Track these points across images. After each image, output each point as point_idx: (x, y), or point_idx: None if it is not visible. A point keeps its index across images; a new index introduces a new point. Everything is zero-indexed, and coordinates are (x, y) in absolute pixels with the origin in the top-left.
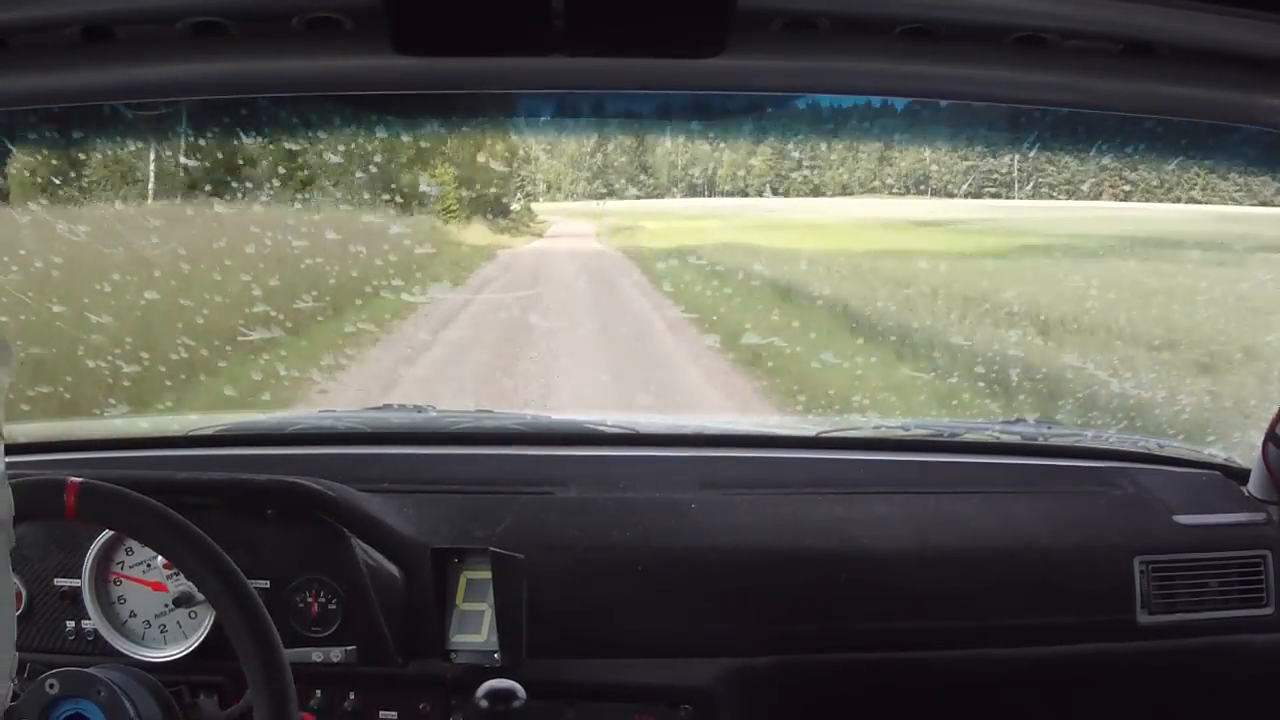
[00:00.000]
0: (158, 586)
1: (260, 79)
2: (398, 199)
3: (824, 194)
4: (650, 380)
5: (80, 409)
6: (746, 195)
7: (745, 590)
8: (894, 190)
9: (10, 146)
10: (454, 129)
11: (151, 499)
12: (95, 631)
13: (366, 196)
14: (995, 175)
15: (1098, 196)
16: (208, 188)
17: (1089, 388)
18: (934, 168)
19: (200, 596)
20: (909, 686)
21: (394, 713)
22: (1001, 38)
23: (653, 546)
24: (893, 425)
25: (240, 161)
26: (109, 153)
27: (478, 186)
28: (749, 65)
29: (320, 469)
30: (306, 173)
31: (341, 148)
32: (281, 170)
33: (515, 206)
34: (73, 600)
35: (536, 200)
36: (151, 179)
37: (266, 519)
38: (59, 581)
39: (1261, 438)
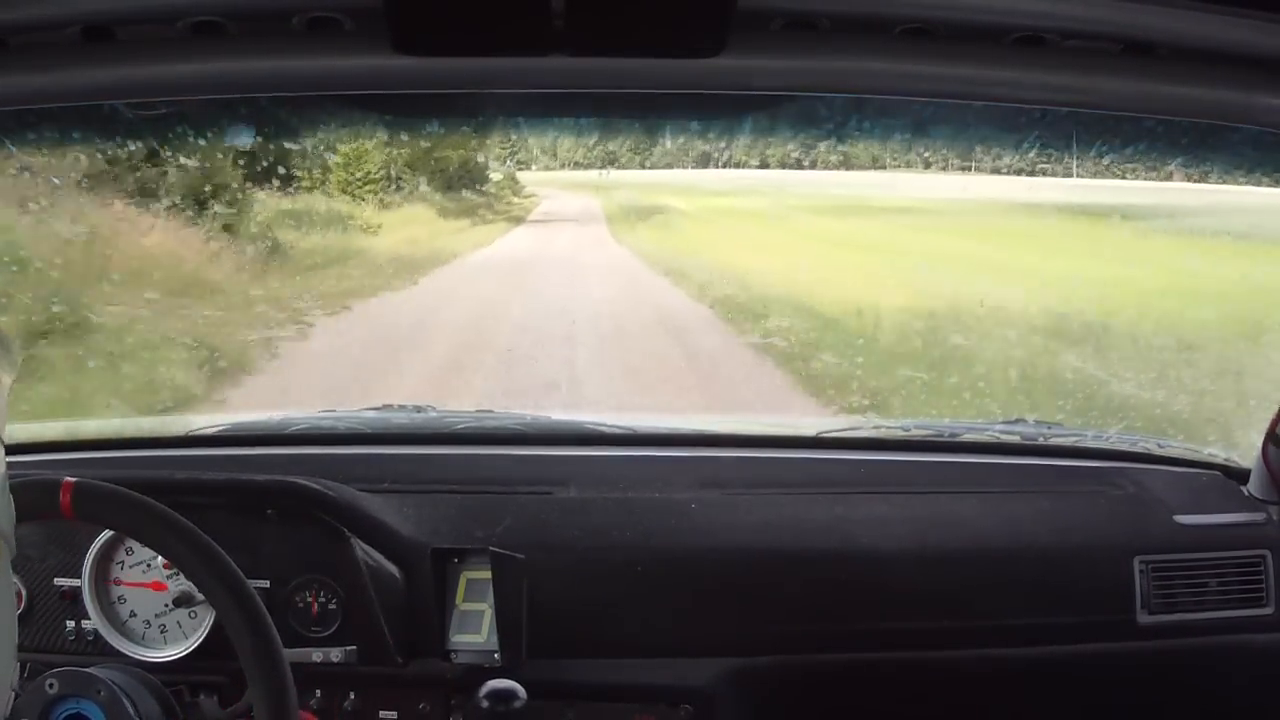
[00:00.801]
0: (158, 586)
1: (260, 79)
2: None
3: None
4: None
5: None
6: (767, 166)
7: (745, 590)
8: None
9: (10, 146)
10: (454, 129)
11: (148, 498)
12: (95, 631)
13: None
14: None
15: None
16: None
17: None
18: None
19: (200, 596)
20: (909, 686)
21: (394, 713)
22: (1001, 38)
23: (653, 546)
24: (893, 425)
25: None
26: None
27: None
28: (749, 65)
29: (320, 469)
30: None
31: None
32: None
33: (495, 176)
34: (73, 600)
35: (524, 168)
36: None
37: (266, 519)
38: (59, 581)
39: (1261, 438)
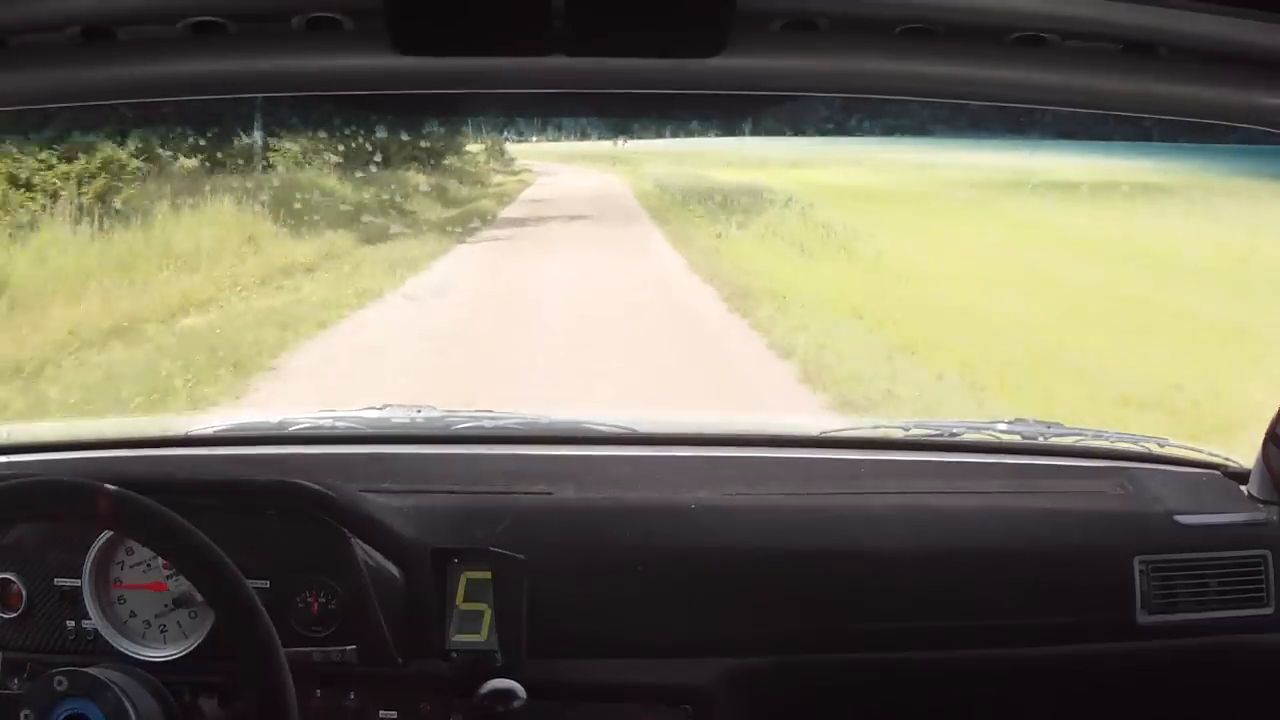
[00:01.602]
0: (158, 586)
1: (260, 79)
2: None
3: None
4: None
5: None
6: (803, 134)
7: (745, 590)
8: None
9: (10, 146)
10: (453, 129)
11: (180, 517)
12: (95, 631)
13: None
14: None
15: None
16: None
17: None
18: None
19: (200, 597)
20: (909, 686)
21: (394, 713)
22: (1001, 38)
23: (653, 546)
24: (893, 425)
25: None
26: None
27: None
28: (749, 65)
29: (320, 469)
30: None
31: None
32: None
33: (473, 148)
34: (73, 600)
35: (521, 139)
36: None
37: (266, 519)
38: (59, 581)
39: (1261, 438)
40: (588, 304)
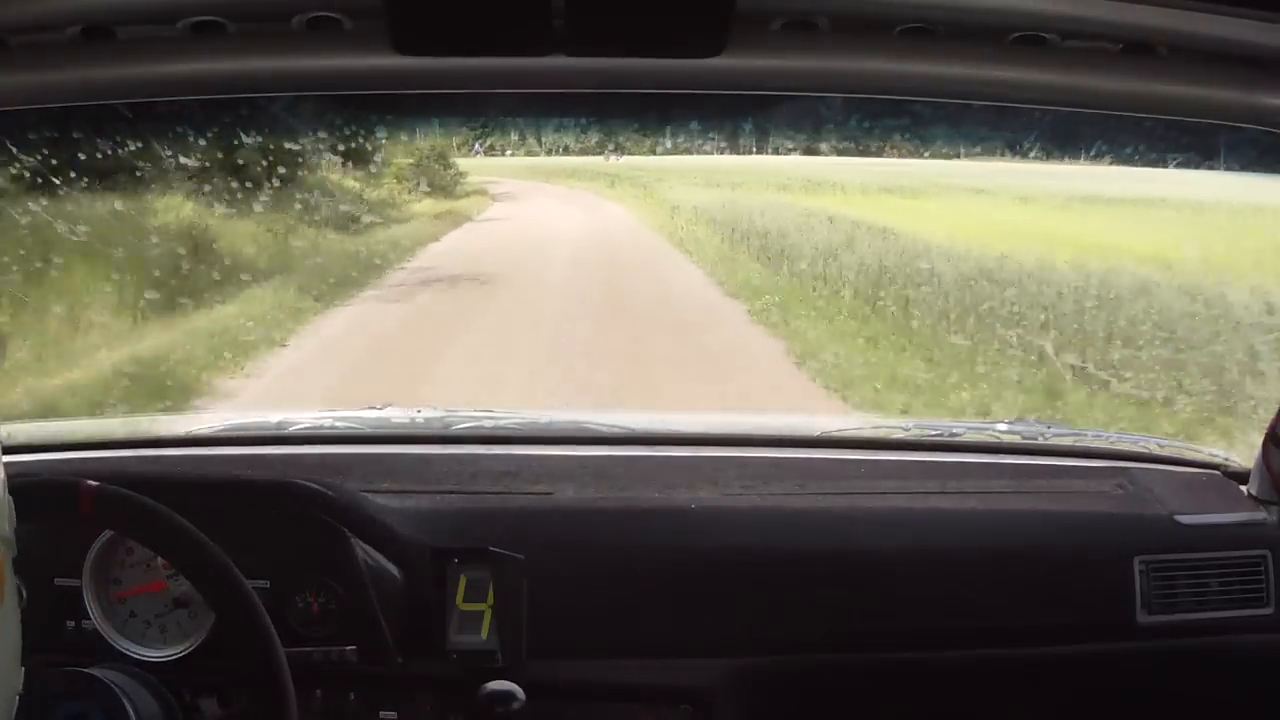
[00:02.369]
0: (158, 586)
1: (260, 79)
2: None
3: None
4: None
5: None
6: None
7: (745, 590)
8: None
9: (10, 146)
10: (453, 129)
11: (163, 506)
12: (95, 631)
13: None
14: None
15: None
16: None
17: None
18: None
19: (200, 597)
20: (909, 686)
21: (394, 713)
22: (1001, 38)
23: (652, 546)
24: (893, 425)
25: None
26: None
27: None
28: (749, 65)
29: (320, 469)
30: None
31: None
32: None
33: (403, 161)
34: (73, 600)
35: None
36: None
37: (266, 519)
38: (59, 581)
39: (1261, 438)
40: None
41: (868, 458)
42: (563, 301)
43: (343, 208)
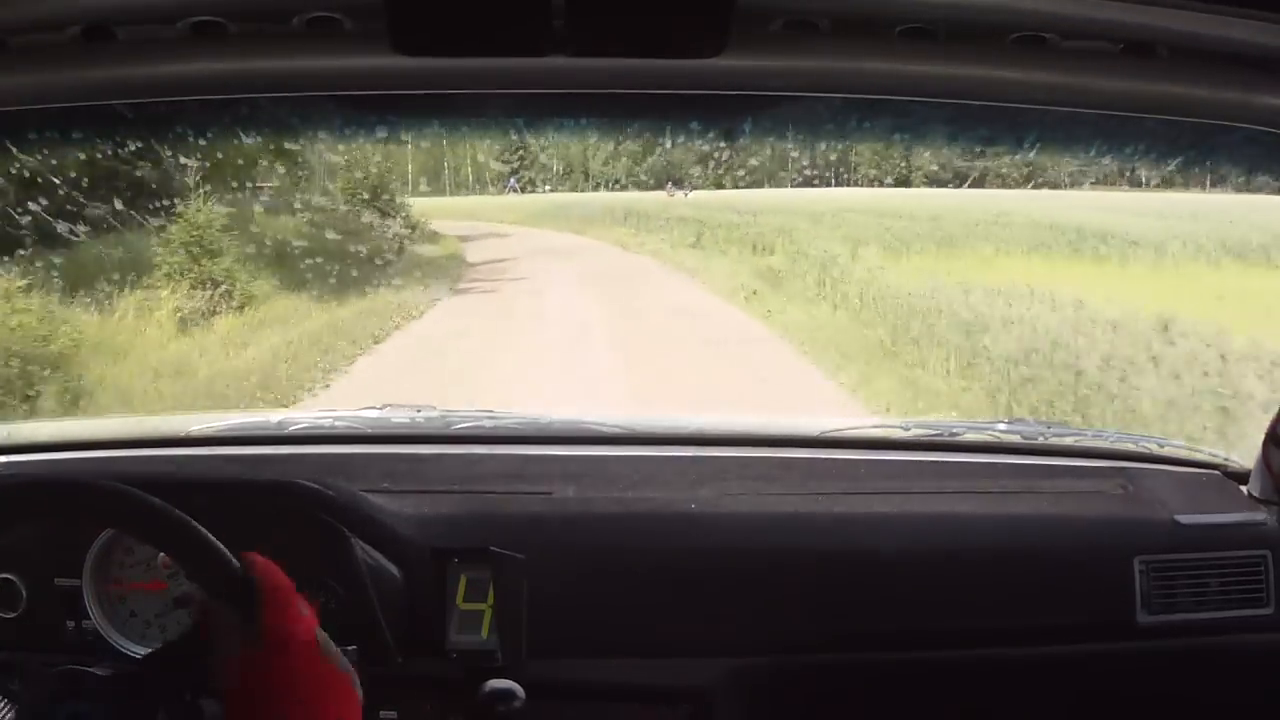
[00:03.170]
0: (158, 586)
1: (260, 79)
2: None
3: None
4: None
5: None
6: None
7: (745, 590)
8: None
9: (10, 146)
10: (453, 129)
11: (162, 502)
12: (95, 631)
13: None
14: None
15: None
16: None
17: None
18: None
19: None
20: (909, 686)
21: (394, 713)
22: (1001, 38)
23: (652, 546)
24: (893, 425)
25: None
26: None
27: None
28: (749, 65)
29: (320, 469)
30: None
31: None
32: None
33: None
34: (73, 600)
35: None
36: None
37: (266, 519)
38: (59, 581)
39: (1261, 438)
40: None
41: (868, 458)
42: None
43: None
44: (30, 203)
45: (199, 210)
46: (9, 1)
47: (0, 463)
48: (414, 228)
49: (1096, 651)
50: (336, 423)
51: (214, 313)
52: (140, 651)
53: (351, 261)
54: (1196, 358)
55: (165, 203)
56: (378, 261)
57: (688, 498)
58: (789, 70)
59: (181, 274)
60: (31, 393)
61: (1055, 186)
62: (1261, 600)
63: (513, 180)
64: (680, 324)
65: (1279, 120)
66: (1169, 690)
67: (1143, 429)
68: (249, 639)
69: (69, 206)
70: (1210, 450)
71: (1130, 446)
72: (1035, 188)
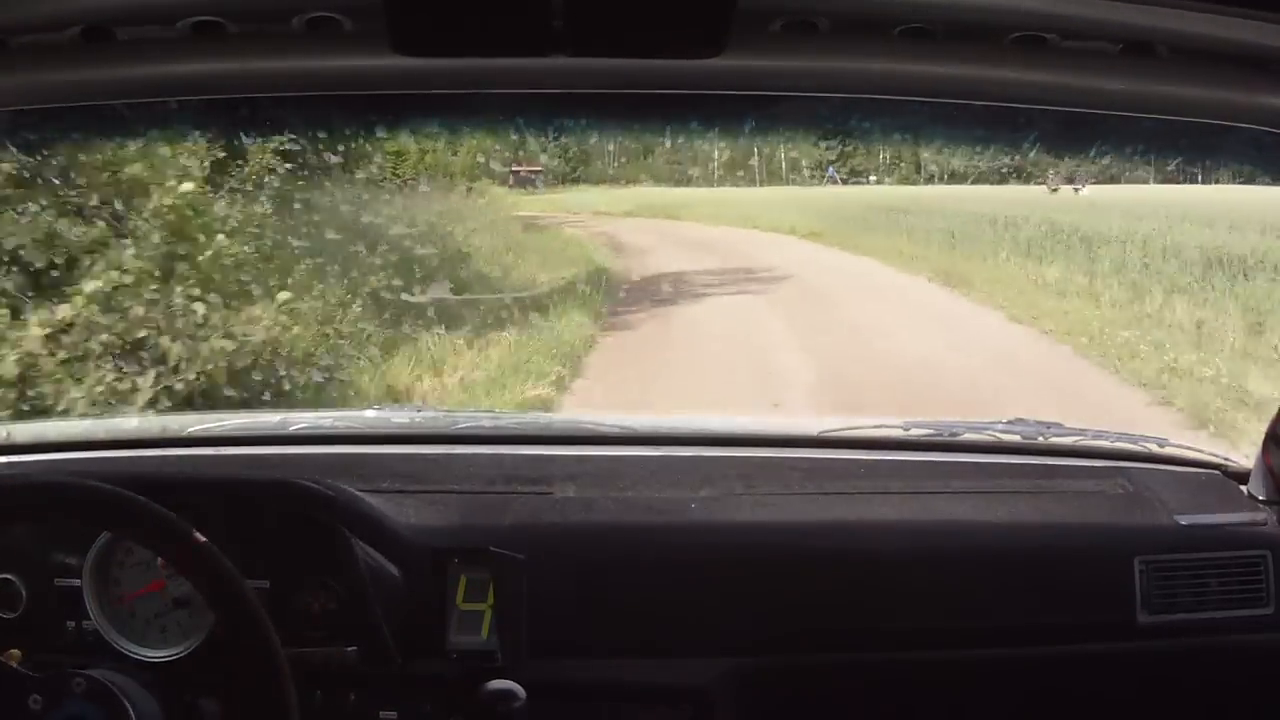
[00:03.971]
0: (158, 586)
1: (260, 79)
2: None
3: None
4: None
5: None
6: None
7: (745, 590)
8: None
9: (10, 146)
10: (453, 129)
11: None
12: (95, 631)
13: None
14: None
15: None
16: None
17: None
18: None
19: (200, 597)
20: (909, 686)
21: (394, 713)
22: (1001, 38)
23: (653, 546)
24: (893, 425)
25: None
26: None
27: None
28: (749, 65)
29: (320, 469)
30: None
31: None
32: None
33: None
34: (73, 600)
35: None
36: None
37: (266, 519)
38: (59, 581)
39: (1261, 438)
40: None
41: (868, 458)
42: None
43: None
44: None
45: None
46: (9, 1)
47: (0, 463)
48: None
49: (1096, 651)
50: (336, 423)
51: None
52: (140, 651)
53: None
54: None
55: None
56: None
57: (688, 498)
58: (789, 70)
59: None
60: None
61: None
62: (1261, 600)
63: (832, 169)
64: None
65: (1279, 120)
66: (1169, 690)
67: None
68: None
69: None
70: (1210, 450)
71: (1130, 446)
72: None
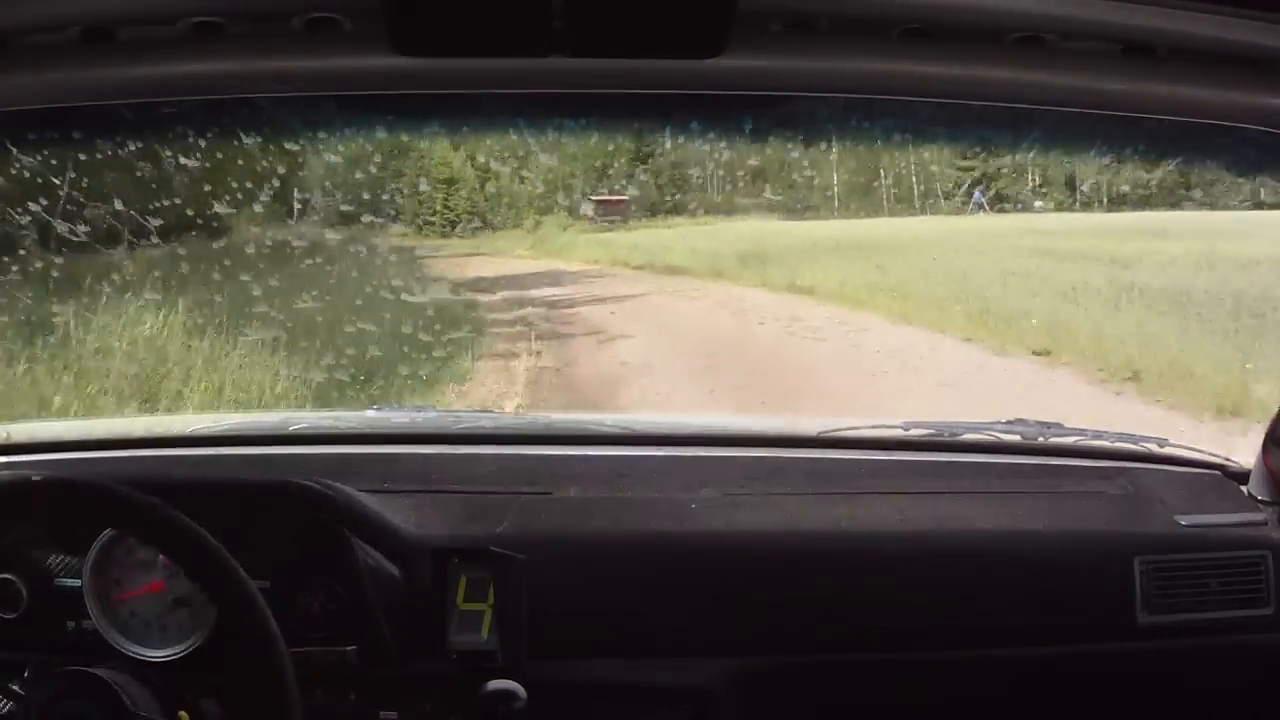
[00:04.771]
0: (157, 586)
1: (260, 79)
2: None
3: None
4: None
5: None
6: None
7: (745, 590)
8: None
9: (10, 146)
10: (453, 130)
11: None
12: (95, 631)
13: None
14: None
15: None
16: None
17: None
18: None
19: (201, 596)
20: (909, 686)
21: (394, 713)
22: (1001, 38)
23: (653, 546)
24: (893, 425)
25: None
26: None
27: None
28: (749, 65)
29: (320, 469)
30: None
31: None
32: None
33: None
34: (73, 600)
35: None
36: None
37: (267, 519)
38: (59, 581)
39: (1261, 438)
40: None
41: (868, 458)
42: None
43: None
44: None
45: None
46: (9, 2)
47: (0, 463)
48: None
49: (1097, 651)
50: (336, 423)
51: None
52: (140, 651)
53: None
54: None
55: None
56: None
57: (688, 498)
58: (789, 70)
59: None
60: None
61: None
62: (1261, 600)
63: (978, 194)
64: None
65: (1279, 120)
66: (1169, 690)
67: None
68: None
69: None
70: (1210, 450)
71: (1130, 446)
72: None
